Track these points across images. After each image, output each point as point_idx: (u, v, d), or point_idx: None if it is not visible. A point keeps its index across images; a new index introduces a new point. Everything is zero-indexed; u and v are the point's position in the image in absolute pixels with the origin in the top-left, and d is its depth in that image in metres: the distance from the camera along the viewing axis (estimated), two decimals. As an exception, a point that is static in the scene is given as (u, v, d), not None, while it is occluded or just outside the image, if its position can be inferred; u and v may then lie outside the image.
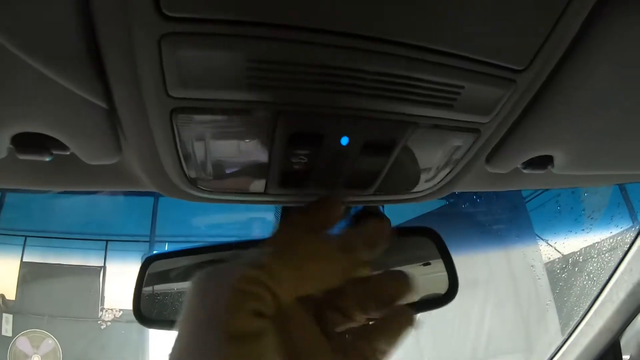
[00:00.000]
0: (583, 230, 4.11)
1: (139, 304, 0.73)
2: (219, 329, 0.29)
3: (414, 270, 0.81)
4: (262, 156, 0.43)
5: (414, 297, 0.41)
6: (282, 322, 0.33)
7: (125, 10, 0.30)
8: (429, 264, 0.80)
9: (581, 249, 4.12)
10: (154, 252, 0.75)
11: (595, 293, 1.39)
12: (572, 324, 1.49)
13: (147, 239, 5.44)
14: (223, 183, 0.49)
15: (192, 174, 0.47)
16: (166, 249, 5.24)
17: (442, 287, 0.77)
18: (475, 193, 4.78)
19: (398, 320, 0.39)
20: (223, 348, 0.28)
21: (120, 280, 5.32)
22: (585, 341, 1.41)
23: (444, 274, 0.77)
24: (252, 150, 0.43)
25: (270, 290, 0.32)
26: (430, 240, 0.77)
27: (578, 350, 1.43)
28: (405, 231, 0.81)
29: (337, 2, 0.30)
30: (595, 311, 1.38)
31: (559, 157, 0.60)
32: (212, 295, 0.31)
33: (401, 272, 0.41)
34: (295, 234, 0.41)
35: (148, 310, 0.75)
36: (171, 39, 0.31)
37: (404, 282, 0.40)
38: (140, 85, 0.36)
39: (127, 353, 5.27)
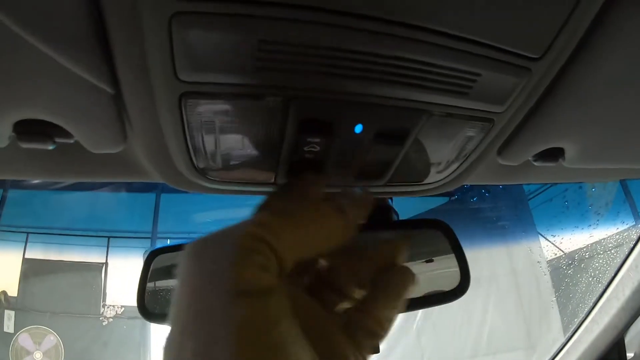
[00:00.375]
0: (590, 225, 4.12)
1: (144, 298, 0.72)
2: (226, 286, 0.27)
3: (416, 268, 0.80)
4: (272, 144, 0.42)
5: (405, 260, 0.42)
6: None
7: None
8: (431, 260, 0.79)
9: (587, 245, 4.13)
10: (158, 246, 0.74)
11: (601, 290, 1.39)
12: (576, 322, 1.49)
13: (149, 235, 5.44)
14: (232, 173, 0.48)
15: (201, 163, 0.46)
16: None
17: (444, 285, 0.76)
18: (479, 189, 4.79)
19: (395, 282, 0.39)
20: (232, 305, 0.26)
21: (122, 276, 5.33)
22: (589, 338, 1.41)
23: (446, 272, 0.76)
24: (263, 138, 0.42)
25: (274, 248, 0.30)
26: (441, 233, 0.76)
27: (582, 347, 1.43)
28: (416, 224, 0.80)
29: None
30: (600, 308, 1.38)
31: (570, 150, 0.59)
32: (214, 254, 0.29)
33: (391, 240, 0.42)
34: (288, 198, 0.42)
35: (151, 305, 0.75)
36: (182, 18, 0.30)
37: (396, 245, 0.41)
38: (148, 68, 0.35)
39: (129, 349, 5.28)
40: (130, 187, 5.30)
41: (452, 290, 0.74)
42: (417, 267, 0.80)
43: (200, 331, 0.26)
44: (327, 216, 0.35)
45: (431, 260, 0.79)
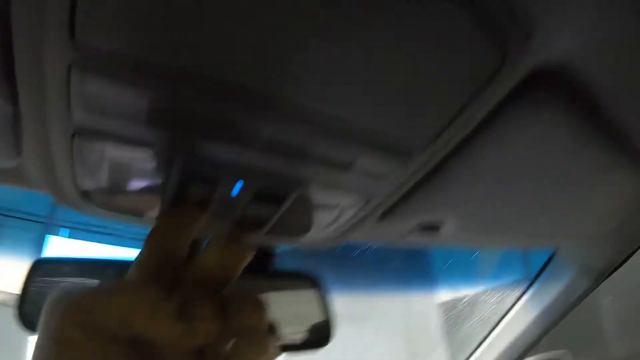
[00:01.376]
0: (477, 279, 4.25)
1: (24, 307, 0.70)
2: (45, 334, 0.33)
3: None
4: (156, 186, 0.43)
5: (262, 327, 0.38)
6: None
7: (38, 31, 0.29)
8: None
9: (476, 293, 4.26)
10: (46, 256, 0.72)
11: (484, 334, 1.42)
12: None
13: (44, 220, 4.87)
14: (118, 206, 0.50)
15: (87, 193, 0.47)
16: (67, 235, 4.94)
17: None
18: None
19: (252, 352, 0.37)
20: (48, 350, 0.32)
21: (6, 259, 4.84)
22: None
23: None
24: (148, 179, 0.43)
25: (91, 315, 0.33)
26: (311, 285, 0.78)
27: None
28: (289, 275, 0.79)
29: (234, 56, 0.31)
30: (483, 352, 1.41)
31: (449, 223, 0.64)
32: (51, 310, 0.34)
33: (248, 296, 0.37)
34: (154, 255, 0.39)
35: (31, 315, 0.72)
36: (79, 63, 0.30)
37: (252, 308, 0.37)
38: (46, 98, 0.35)
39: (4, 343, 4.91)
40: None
41: (317, 339, 0.75)
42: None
43: None
44: (158, 316, 0.33)
45: None
